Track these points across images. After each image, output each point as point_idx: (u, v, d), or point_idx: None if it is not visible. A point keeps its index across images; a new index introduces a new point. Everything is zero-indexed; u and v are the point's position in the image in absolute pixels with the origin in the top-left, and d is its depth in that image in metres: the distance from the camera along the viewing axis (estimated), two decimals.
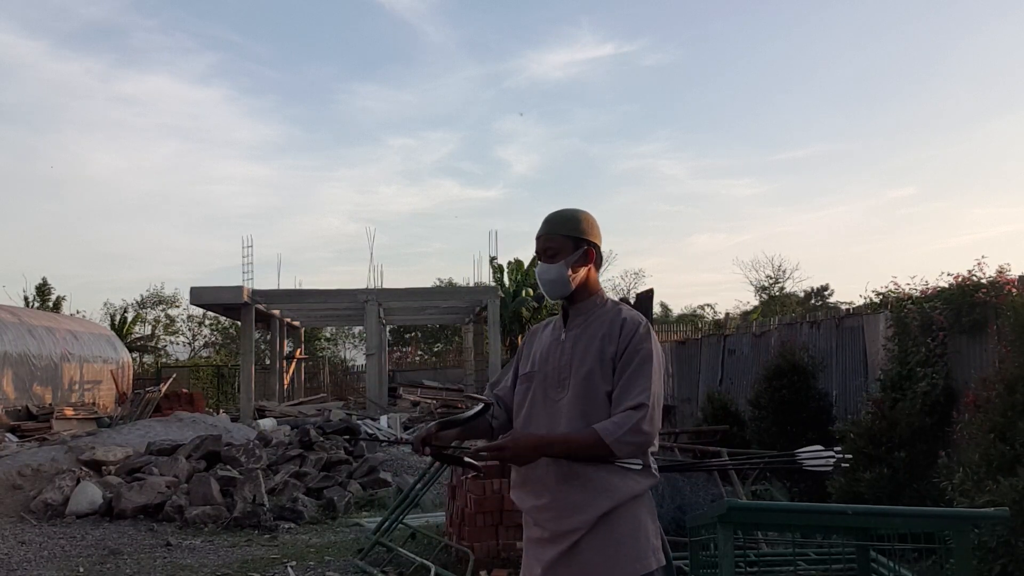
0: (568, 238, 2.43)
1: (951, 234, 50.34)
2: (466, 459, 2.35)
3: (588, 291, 2.46)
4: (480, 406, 2.46)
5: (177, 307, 34.96)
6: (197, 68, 50.72)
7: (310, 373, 30.32)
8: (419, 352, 37.91)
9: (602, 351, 2.34)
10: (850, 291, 59.44)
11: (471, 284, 27.07)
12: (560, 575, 2.27)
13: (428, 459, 6.33)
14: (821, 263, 57.26)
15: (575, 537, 2.25)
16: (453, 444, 2.43)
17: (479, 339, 24.91)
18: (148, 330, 34.14)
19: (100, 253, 53.48)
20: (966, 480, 4.68)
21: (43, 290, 29.42)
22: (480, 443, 2.36)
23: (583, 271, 2.44)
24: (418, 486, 6.57)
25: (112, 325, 29.41)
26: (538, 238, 2.47)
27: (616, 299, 2.58)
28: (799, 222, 52.63)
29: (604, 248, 2.58)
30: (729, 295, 51.56)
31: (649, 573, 2.25)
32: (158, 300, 34.95)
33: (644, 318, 2.40)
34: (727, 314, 24.39)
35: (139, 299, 34.79)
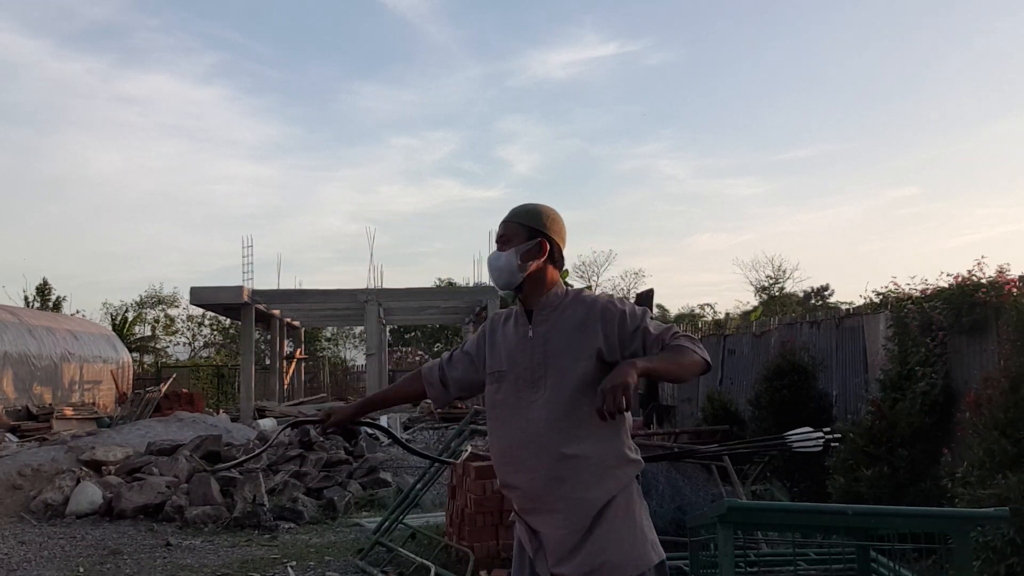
0: (524, 227, 2.37)
1: (952, 234, 50.37)
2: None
3: (544, 287, 2.36)
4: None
5: (177, 307, 35.03)
6: (199, 68, 50.78)
7: (310, 373, 30.31)
8: (419, 352, 37.91)
9: (583, 339, 2.26)
10: (850, 291, 59.43)
11: (471, 284, 27.05)
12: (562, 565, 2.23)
13: (426, 463, 6.37)
14: (821, 263, 57.33)
15: (571, 535, 2.22)
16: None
17: None
18: (148, 330, 34.15)
19: (100, 253, 53.54)
20: (969, 475, 4.68)
21: (43, 290, 29.42)
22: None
23: (534, 264, 2.34)
24: (418, 486, 6.57)
25: (112, 325, 29.41)
26: (499, 227, 2.43)
27: (576, 287, 2.52)
28: (799, 222, 52.65)
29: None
30: (729, 295, 51.53)
31: (649, 567, 2.21)
32: (158, 300, 35.00)
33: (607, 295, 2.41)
34: (727, 314, 24.38)
35: (139, 299, 34.86)
